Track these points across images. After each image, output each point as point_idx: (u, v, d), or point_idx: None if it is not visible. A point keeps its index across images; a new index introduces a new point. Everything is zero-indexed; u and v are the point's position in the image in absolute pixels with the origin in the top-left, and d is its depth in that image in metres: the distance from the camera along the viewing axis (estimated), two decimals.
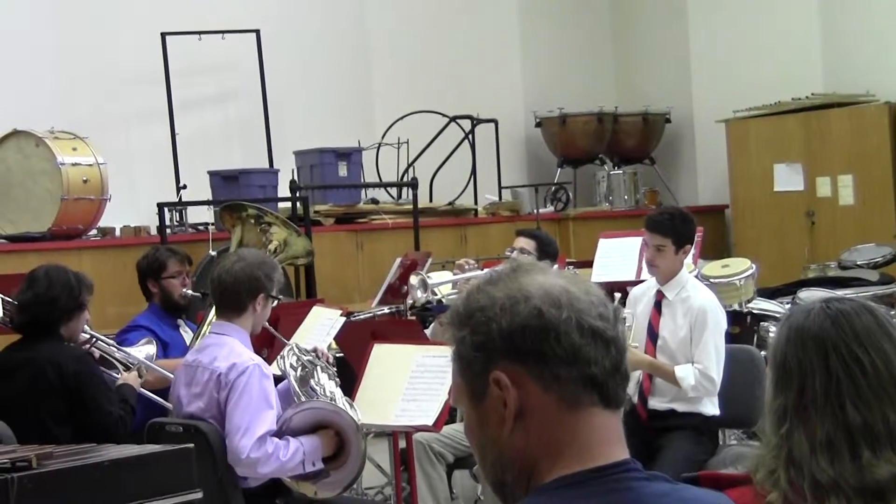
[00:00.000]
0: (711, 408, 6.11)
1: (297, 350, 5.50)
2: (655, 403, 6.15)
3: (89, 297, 5.81)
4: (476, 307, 1.86)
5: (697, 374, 5.98)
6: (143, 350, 6.21)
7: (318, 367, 5.48)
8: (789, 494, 2.33)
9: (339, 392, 5.47)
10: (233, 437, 4.99)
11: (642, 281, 6.96)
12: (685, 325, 6.09)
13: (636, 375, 6.13)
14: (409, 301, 7.42)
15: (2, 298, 6.08)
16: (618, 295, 6.33)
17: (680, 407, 6.11)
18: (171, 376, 5.89)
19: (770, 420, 2.42)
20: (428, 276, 7.17)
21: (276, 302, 5.47)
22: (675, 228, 6.10)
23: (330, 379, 5.49)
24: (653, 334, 6.17)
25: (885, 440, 2.33)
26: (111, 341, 6.23)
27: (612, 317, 1.86)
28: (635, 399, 6.17)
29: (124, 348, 6.16)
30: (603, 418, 1.85)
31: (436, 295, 7.18)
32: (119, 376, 5.93)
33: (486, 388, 1.84)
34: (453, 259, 9.63)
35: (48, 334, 5.66)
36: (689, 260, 6.57)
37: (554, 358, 1.81)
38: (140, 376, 5.97)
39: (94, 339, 6.04)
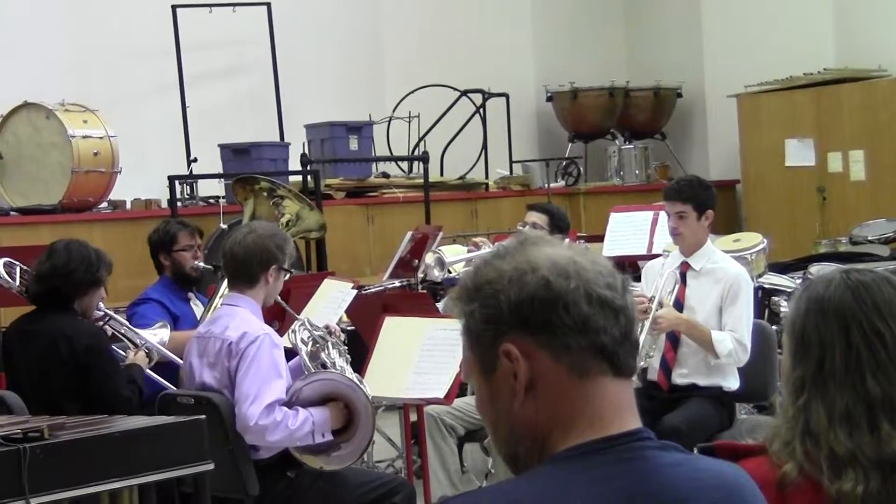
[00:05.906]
0: (733, 381, 6.12)
1: (308, 325, 5.51)
2: (676, 378, 6.15)
3: (107, 275, 5.80)
4: (484, 280, 1.85)
5: (734, 340, 6.00)
6: (158, 334, 6.20)
7: (329, 343, 5.49)
8: (805, 465, 2.33)
9: (349, 368, 5.48)
10: (241, 404, 5.00)
11: (655, 255, 6.94)
12: (715, 294, 6.09)
13: (659, 344, 6.13)
14: (420, 274, 7.43)
15: (20, 268, 6.10)
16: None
17: (702, 381, 6.12)
18: (182, 361, 5.89)
19: (787, 391, 2.42)
20: (442, 253, 7.19)
21: (288, 275, 5.46)
22: (695, 193, 6.14)
23: (340, 355, 5.49)
24: (678, 305, 6.15)
25: None
26: (124, 321, 6.21)
27: (620, 286, 1.86)
28: (654, 376, 6.17)
29: (137, 330, 6.13)
30: (614, 387, 1.84)
31: (451, 273, 7.20)
32: (126, 355, 5.92)
33: (497, 361, 1.84)
34: (464, 233, 9.64)
35: (62, 307, 5.65)
36: None
37: (563, 328, 1.81)
38: (151, 360, 5.96)
39: (108, 318, 6.02)
